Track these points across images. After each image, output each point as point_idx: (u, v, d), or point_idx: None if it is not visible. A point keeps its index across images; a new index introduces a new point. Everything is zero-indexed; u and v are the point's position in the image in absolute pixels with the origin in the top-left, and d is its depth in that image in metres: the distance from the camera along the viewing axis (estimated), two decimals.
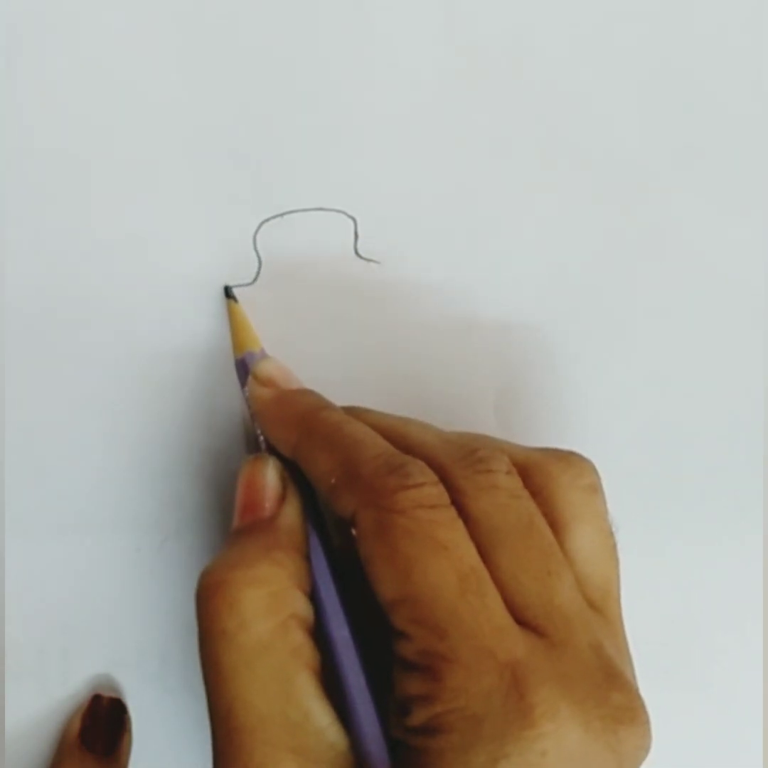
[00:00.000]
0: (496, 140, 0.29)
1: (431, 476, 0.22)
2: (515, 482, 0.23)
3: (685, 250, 0.31)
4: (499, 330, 0.30)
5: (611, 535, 0.25)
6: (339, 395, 0.28)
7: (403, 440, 0.24)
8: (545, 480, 0.24)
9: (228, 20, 0.28)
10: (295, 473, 0.25)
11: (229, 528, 0.29)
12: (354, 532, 0.23)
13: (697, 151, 0.30)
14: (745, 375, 0.32)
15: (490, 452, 0.24)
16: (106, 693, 0.30)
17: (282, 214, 0.29)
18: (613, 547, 0.25)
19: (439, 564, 0.21)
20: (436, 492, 0.22)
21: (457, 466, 0.23)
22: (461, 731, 0.20)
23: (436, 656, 0.21)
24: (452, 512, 0.22)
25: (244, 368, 0.27)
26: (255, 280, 0.29)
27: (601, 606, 0.24)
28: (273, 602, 0.22)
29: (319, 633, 0.24)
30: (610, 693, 0.21)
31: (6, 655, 0.29)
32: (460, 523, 0.22)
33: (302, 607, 0.23)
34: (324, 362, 0.30)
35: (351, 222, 0.29)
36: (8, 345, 0.28)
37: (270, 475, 0.25)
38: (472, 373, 0.30)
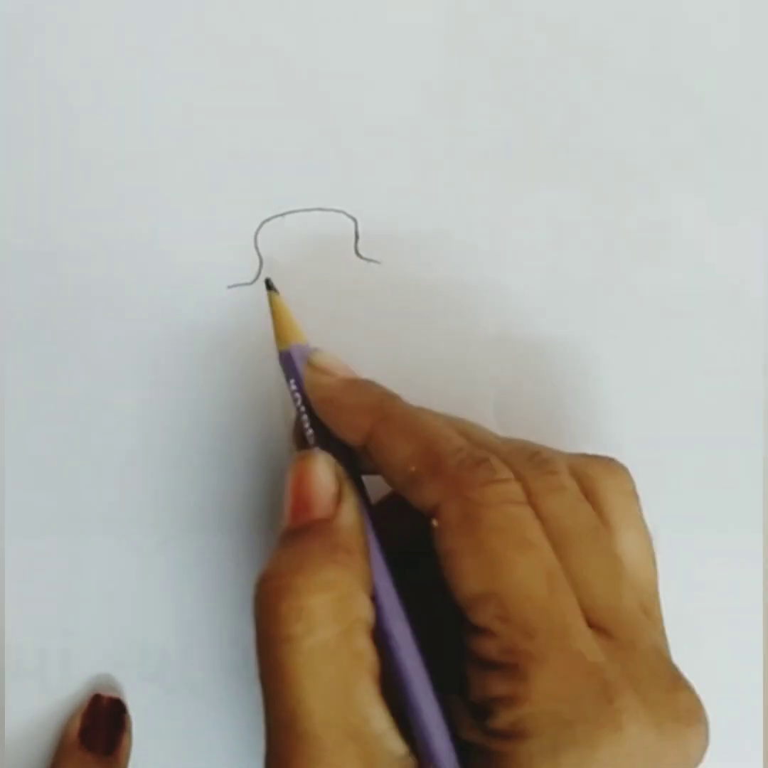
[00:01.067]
0: (496, 140, 0.29)
1: (511, 473, 0.22)
2: (575, 484, 0.23)
3: (685, 250, 0.31)
4: (499, 330, 0.30)
5: (651, 539, 0.25)
6: None
7: (468, 438, 0.24)
8: (592, 485, 0.24)
9: (228, 20, 0.28)
10: (348, 470, 0.25)
11: (228, 529, 0.29)
12: (435, 523, 0.22)
13: (697, 151, 0.30)
14: (744, 374, 0.32)
15: (552, 454, 0.24)
16: (106, 693, 0.30)
17: (283, 214, 0.29)
18: (653, 551, 0.25)
19: (528, 561, 0.21)
20: (519, 489, 0.22)
21: (525, 466, 0.23)
22: (552, 735, 0.20)
23: (522, 655, 0.20)
24: (532, 511, 0.22)
25: (290, 361, 0.26)
26: (255, 279, 0.29)
27: (648, 607, 0.24)
28: (340, 607, 0.22)
29: (379, 635, 0.23)
30: (676, 695, 0.21)
31: (6, 655, 0.29)
32: (539, 523, 0.22)
33: (366, 610, 0.22)
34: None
35: (351, 222, 0.29)
36: (8, 345, 0.28)
37: (324, 472, 0.24)
38: (472, 373, 0.30)
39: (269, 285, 0.28)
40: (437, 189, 0.29)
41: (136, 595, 0.30)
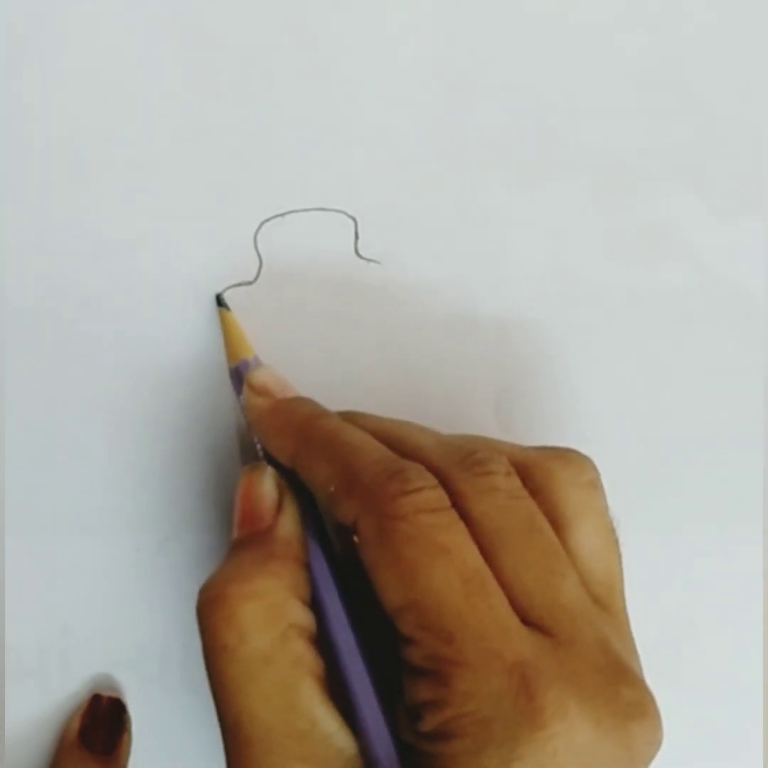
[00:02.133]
0: (496, 140, 0.29)
1: (430, 480, 0.22)
2: (514, 483, 0.23)
3: (685, 249, 0.31)
4: (499, 329, 0.30)
5: (613, 530, 0.24)
6: (338, 395, 0.28)
7: (400, 445, 0.24)
8: (544, 478, 0.24)
9: (228, 20, 0.28)
10: (294, 481, 0.25)
11: (228, 529, 0.29)
12: (356, 539, 0.23)
13: (697, 151, 0.30)
14: (745, 374, 0.32)
15: (488, 454, 0.24)
16: (106, 692, 0.30)
17: (283, 214, 0.29)
18: (615, 542, 0.24)
19: (442, 568, 0.21)
20: (436, 496, 0.22)
21: (455, 468, 0.23)
22: (472, 735, 0.20)
23: (443, 661, 0.21)
24: (453, 515, 0.22)
25: (238, 377, 0.27)
26: (256, 279, 0.29)
27: (607, 602, 0.24)
28: (271, 614, 0.22)
29: (323, 640, 0.23)
30: (619, 689, 0.21)
31: (6, 655, 0.29)
32: (461, 526, 0.22)
33: (301, 616, 0.23)
34: (324, 362, 0.30)
35: (351, 222, 0.29)
36: (9, 345, 0.28)
37: (267, 484, 0.25)
38: (472, 372, 0.30)
39: (220, 301, 0.28)
40: (437, 189, 0.29)
41: (136, 595, 0.30)
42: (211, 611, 0.23)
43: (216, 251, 0.28)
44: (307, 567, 0.24)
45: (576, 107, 0.30)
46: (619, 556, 0.25)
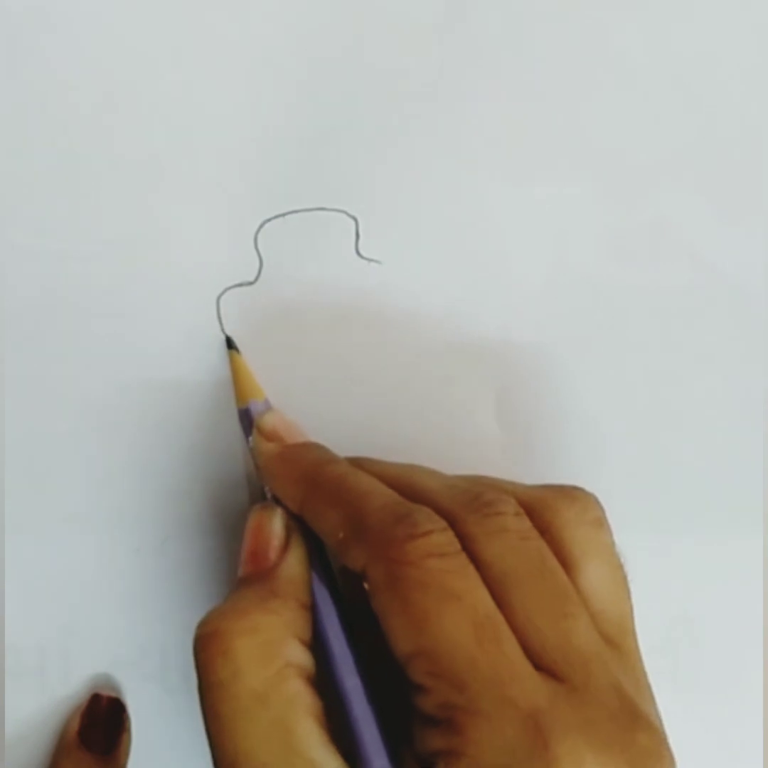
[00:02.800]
0: (496, 140, 0.29)
1: (439, 523, 0.22)
2: (524, 523, 0.23)
3: (685, 249, 0.31)
4: (499, 329, 0.30)
5: (621, 567, 0.24)
6: (338, 395, 0.28)
7: (409, 489, 0.24)
8: (551, 517, 0.24)
9: (228, 20, 0.28)
10: (303, 523, 0.25)
11: (228, 529, 0.30)
12: (366, 586, 0.22)
13: (698, 150, 0.30)
14: (745, 374, 0.32)
15: (496, 495, 0.23)
16: (106, 692, 0.30)
17: (283, 214, 0.29)
18: (624, 580, 0.24)
19: (453, 614, 0.21)
20: (445, 539, 0.22)
21: (464, 510, 0.23)
22: None
23: (456, 709, 0.20)
24: (463, 558, 0.22)
25: (248, 418, 0.27)
26: (256, 279, 0.29)
27: (618, 641, 0.23)
28: (266, 651, 0.22)
29: (328, 683, 0.23)
30: (635, 735, 0.21)
31: (6, 654, 0.29)
32: (472, 569, 0.22)
33: (299, 655, 0.23)
34: (324, 361, 0.30)
35: (352, 222, 0.29)
36: (9, 345, 0.28)
37: (275, 524, 0.25)
38: (473, 372, 0.30)
39: (230, 344, 0.28)
40: (438, 188, 0.29)
41: (136, 595, 0.30)
42: (206, 646, 0.22)
43: (216, 251, 0.28)
44: (309, 609, 0.24)
45: (577, 107, 0.30)
46: (628, 593, 0.24)
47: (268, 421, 0.27)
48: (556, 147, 0.30)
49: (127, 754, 0.30)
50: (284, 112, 0.28)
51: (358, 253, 0.29)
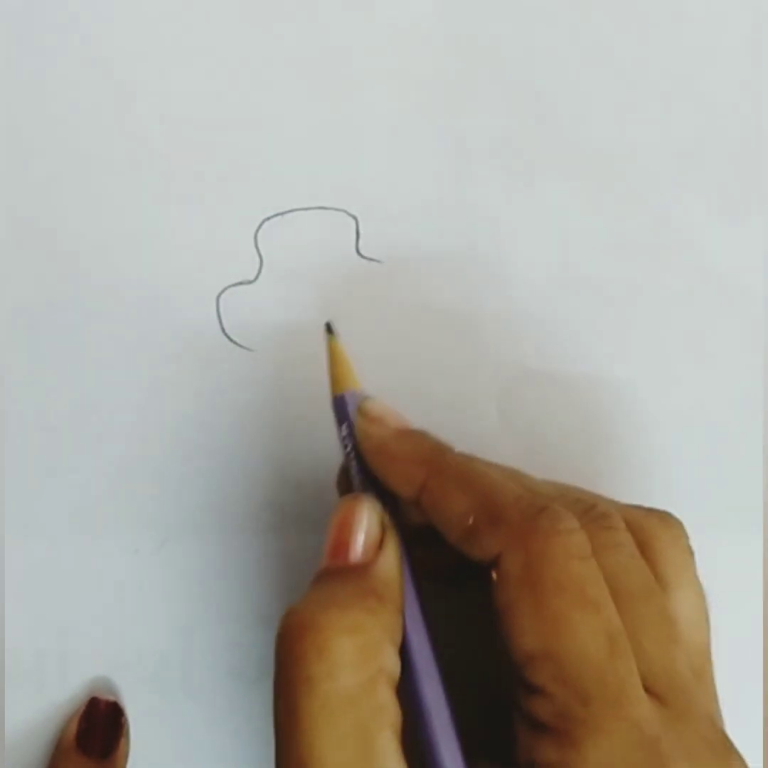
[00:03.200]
0: (496, 140, 0.29)
1: (576, 522, 0.21)
2: (631, 540, 0.23)
3: (686, 249, 0.31)
4: (500, 329, 0.30)
5: (705, 597, 0.24)
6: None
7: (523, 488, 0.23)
8: (648, 539, 0.23)
9: (228, 20, 0.28)
10: (393, 520, 0.24)
11: (227, 530, 0.29)
12: (494, 575, 0.21)
13: (699, 150, 0.30)
14: (745, 374, 0.32)
15: (608, 508, 0.23)
16: (104, 696, 0.30)
17: (283, 213, 0.29)
18: (707, 610, 0.24)
19: (590, 623, 0.20)
20: (584, 541, 0.21)
21: (582, 519, 0.22)
22: None
23: (576, 721, 0.19)
24: (597, 566, 0.21)
25: (343, 406, 0.26)
26: (256, 278, 0.29)
27: (700, 671, 0.23)
28: (364, 653, 0.21)
29: (405, 690, 0.22)
30: (730, 763, 0.21)
31: (4, 658, 0.29)
32: (602, 580, 0.21)
33: (392, 662, 0.22)
34: (322, 362, 0.30)
35: (352, 221, 0.29)
36: (9, 345, 0.28)
37: (369, 518, 0.24)
38: (473, 371, 0.30)
39: (329, 329, 0.27)
40: (438, 188, 0.29)
41: (135, 598, 0.30)
42: (298, 638, 0.21)
43: (216, 251, 0.28)
44: (401, 613, 0.23)
45: (578, 107, 0.30)
46: (709, 627, 0.24)
47: (374, 407, 0.26)
48: (556, 147, 0.30)
49: (125, 758, 0.30)
50: (284, 111, 0.28)
51: (358, 252, 0.29)
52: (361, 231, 0.29)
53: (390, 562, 0.23)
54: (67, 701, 0.30)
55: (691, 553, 0.24)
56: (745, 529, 0.32)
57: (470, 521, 0.22)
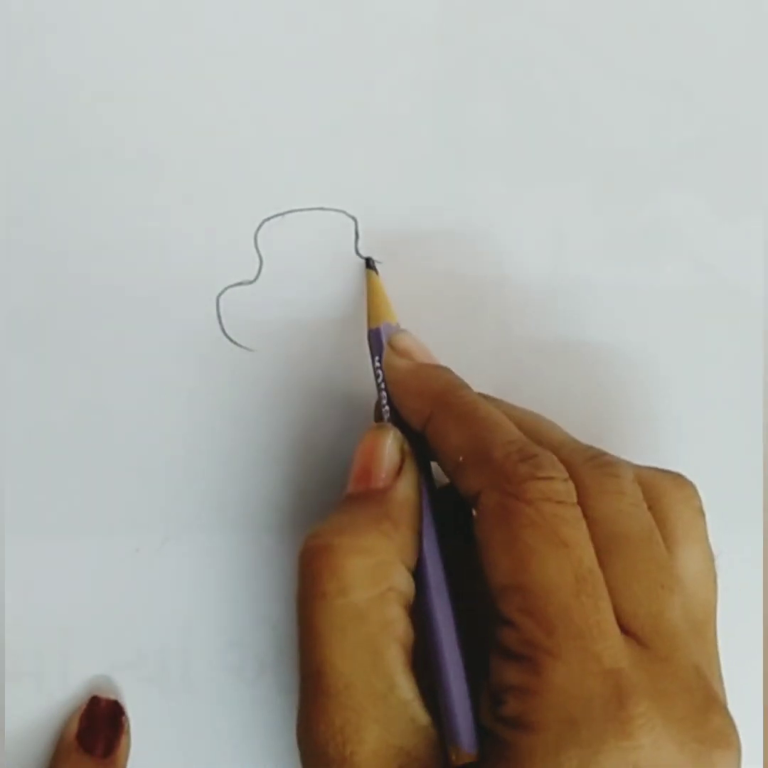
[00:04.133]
0: (496, 140, 0.29)
1: (562, 472, 0.22)
2: (638, 492, 0.23)
3: (685, 249, 0.31)
4: (500, 329, 0.30)
5: (713, 559, 0.24)
6: (337, 393, 0.28)
7: (532, 434, 0.24)
8: (659, 496, 0.24)
9: (228, 20, 0.28)
10: (416, 449, 0.25)
11: (227, 529, 0.29)
12: (474, 512, 0.23)
13: (698, 150, 0.30)
14: (745, 374, 0.32)
15: (617, 459, 0.24)
16: (104, 695, 0.30)
17: (283, 213, 0.29)
18: (715, 571, 0.24)
19: (558, 560, 0.21)
20: (565, 488, 0.22)
21: (585, 466, 0.23)
22: (555, 731, 0.20)
23: (540, 649, 0.21)
24: (577, 511, 0.22)
25: (378, 339, 0.27)
26: (256, 278, 0.29)
27: (701, 628, 0.23)
28: (375, 572, 0.23)
29: (418, 610, 0.24)
30: (708, 715, 0.21)
31: (5, 657, 0.29)
32: (583, 524, 0.22)
33: (404, 582, 0.23)
34: (323, 361, 0.30)
35: (351, 221, 0.29)
36: (9, 345, 0.28)
37: (390, 445, 0.25)
38: (472, 372, 0.30)
39: (369, 264, 0.29)
40: (438, 188, 0.29)
41: (135, 597, 0.30)
42: (315, 557, 0.23)
43: (216, 251, 0.28)
44: (417, 535, 0.24)
45: (577, 107, 0.30)
46: (716, 587, 0.24)
47: (403, 340, 0.27)
48: (556, 147, 0.30)
49: (126, 757, 0.30)
50: (284, 112, 0.28)
51: (357, 253, 0.29)
52: (360, 232, 0.29)
53: (407, 488, 0.25)
54: (67, 700, 0.30)
55: (701, 513, 0.25)
56: (745, 529, 0.32)
57: (460, 459, 0.23)
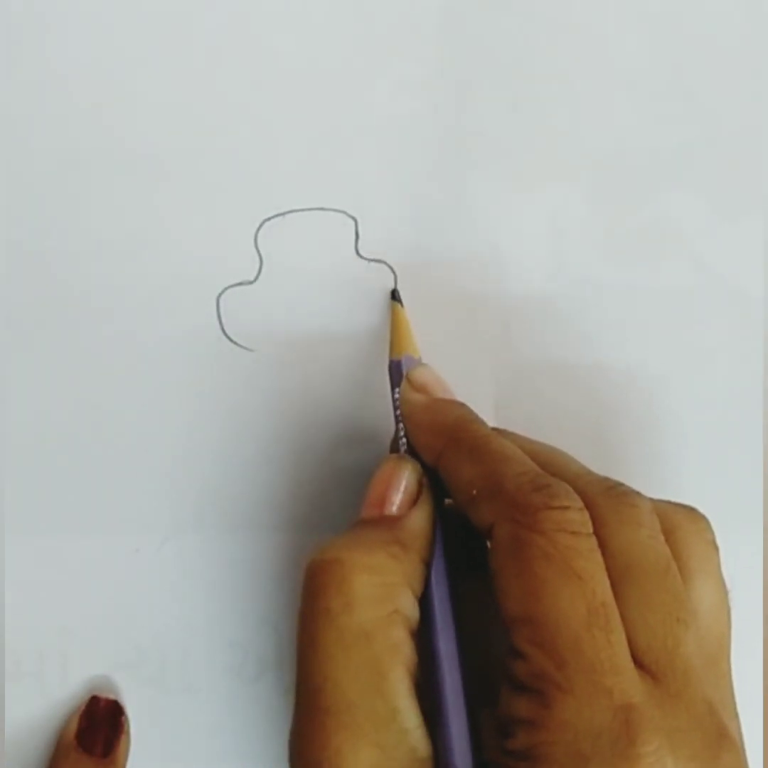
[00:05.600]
0: (497, 140, 0.29)
1: (577, 501, 0.22)
2: (656, 522, 0.23)
3: (685, 250, 0.31)
4: (499, 329, 0.30)
5: (727, 593, 0.24)
6: (336, 393, 0.28)
7: (548, 467, 0.24)
8: (673, 528, 0.24)
9: (228, 20, 0.28)
10: (433, 483, 0.25)
11: (226, 529, 0.29)
12: (489, 544, 0.22)
13: (697, 151, 0.30)
14: (745, 374, 0.32)
15: (634, 490, 0.24)
16: (104, 694, 0.30)
17: (283, 213, 0.28)
18: (729, 605, 0.24)
19: (570, 592, 0.21)
20: (580, 518, 0.22)
21: (601, 496, 0.23)
22: (562, 765, 0.20)
23: (550, 682, 0.20)
24: (592, 542, 0.22)
25: (399, 371, 0.27)
26: (256, 278, 0.29)
27: (715, 662, 0.23)
28: (382, 593, 0.22)
29: (423, 640, 0.23)
30: (719, 753, 0.21)
31: (5, 656, 0.29)
32: (598, 555, 0.22)
33: (410, 607, 0.23)
34: (322, 361, 0.30)
35: (352, 222, 0.29)
36: (9, 345, 0.28)
37: (408, 476, 0.25)
38: (472, 372, 0.30)
39: (395, 296, 0.29)
40: (438, 189, 0.29)
41: (135, 597, 0.30)
42: (322, 571, 0.22)
43: (216, 250, 0.28)
44: (427, 566, 0.24)
45: (576, 107, 0.30)
46: (730, 620, 0.24)
47: (420, 374, 0.27)
48: (554, 147, 0.30)
49: (125, 757, 0.30)
50: (285, 112, 0.28)
51: (357, 253, 0.29)
52: (360, 232, 0.29)
53: (421, 519, 0.25)
54: (67, 700, 0.30)
55: (715, 547, 0.24)
56: (745, 529, 0.32)
57: (474, 492, 0.23)
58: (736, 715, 0.23)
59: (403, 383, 0.27)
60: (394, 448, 0.27)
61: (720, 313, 0.31)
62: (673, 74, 0.30)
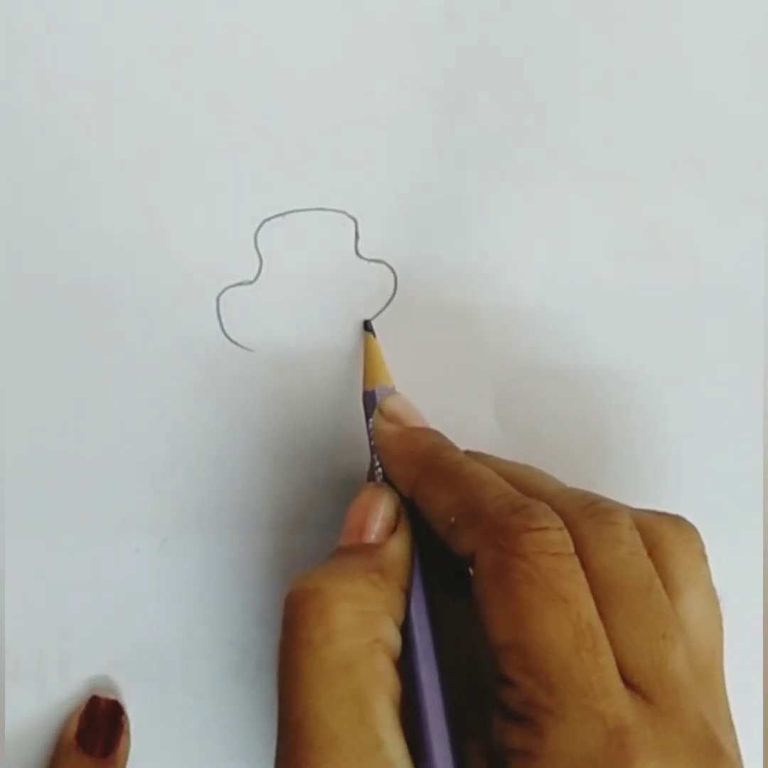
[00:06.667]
0: (497, 140, 0.29)
1: (556, 521, 0.22)
2: (637, 538, 0.23)
3: (685, 250, 0.31)
4: (499, 329, 0.30)
5: (718, 603, 0.24)
6: (335, 394, 0.28)
7: (525, 488, 0.24)
8: (657, 541, 0.23)
9: (228, 20, 0.28)
10: (411, 513, 0.25)
11: (227, 529, 0.29)
12: (471, 571, 0.22)
13: (698, 151, 0.30)
14: (745, 374, 0.32)
15: (613, 505, 0.23)
16: (104, 694, 0.30)
17: (283, 214, 0.28)
18: (719, 615, 0.24)
19: (556, 616, 0.21)
20: (561, 538, 0.22)
21: (580, 514, 0.23)
22: None
23: (541, 709, 0.20)
24: (575, 562, 0.22)
25: (373, 401, 0.27)
26: (256, 279, 0.29)
27: (706, 674, 0.23)
28: (363, 621, 0.22)
29: (405, 669, 0.23)
30: None
31: (5, 657, 0.29)
32: (581, 575, 0.21)
33: (391, 634, 0.23)
34: (322, 362, 0.30)
35: (352, 222, 0.29)
36: (9, 345, 0.28)
37: (386, 504, 0.25)
38: (472, 372, 0.30)
39: (367, 327, 0.29)
40: (438, 189, 0.29)
41: (135, 597, 0.30)
42: (301, 602, 0.22)
43: (216, 250, 0.28)
44: (407, 594, 0.24)
45: (577, 108, 0.30)
46: (721, 631, 0.24)
47: (391, 404, 0.27)
48: (554, 148, 0.30)
49: (125, 757, 0.30)
50: (285, 112, 0.28)
51: (357, 253, 0.29)
52: (360, 232, 0.29)
53: (399, 546, 0.24)
54: (67, 700, 0.30)
55: (703, 556, 0.24)
56: (745, 530, 0.32)
57: (452, 519, 0.23)
58: (732, 727, 0.23)
59: (375, 413, 0.27)
60: (371, 476, 0.27)
61: (720, 313, 0.31)
62: (674, 74, 0.30)
